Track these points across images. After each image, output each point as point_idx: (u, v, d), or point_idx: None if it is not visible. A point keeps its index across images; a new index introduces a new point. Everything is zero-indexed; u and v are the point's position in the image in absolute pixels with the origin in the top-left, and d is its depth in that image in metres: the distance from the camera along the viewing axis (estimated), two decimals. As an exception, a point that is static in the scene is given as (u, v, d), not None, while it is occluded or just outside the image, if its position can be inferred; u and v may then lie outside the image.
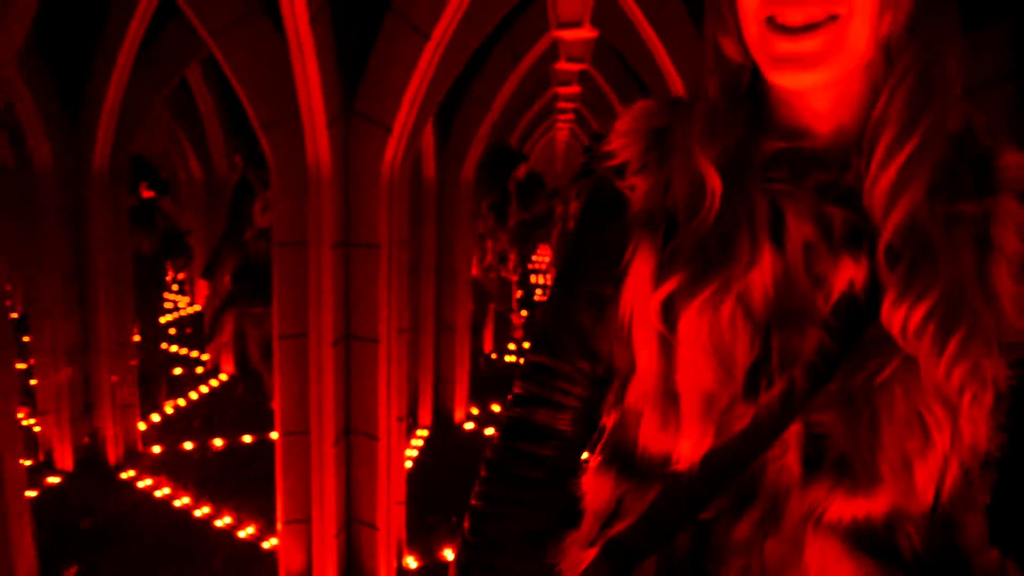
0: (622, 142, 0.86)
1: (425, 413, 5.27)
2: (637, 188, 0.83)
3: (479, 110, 4.99)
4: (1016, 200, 0.76)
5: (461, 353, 5.45)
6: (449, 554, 3.62)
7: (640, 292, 0.80)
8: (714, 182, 0.77)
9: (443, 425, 5.35)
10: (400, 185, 3.00)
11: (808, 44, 0.70)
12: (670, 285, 0.77)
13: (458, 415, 5.47)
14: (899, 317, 0.72)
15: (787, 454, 0.76)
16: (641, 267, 0.80)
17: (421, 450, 4.90)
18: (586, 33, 4.97)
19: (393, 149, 2.86)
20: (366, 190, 2.88)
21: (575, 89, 7.07)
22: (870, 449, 0.73)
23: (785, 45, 0.71)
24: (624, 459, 0.86)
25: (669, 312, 0.78)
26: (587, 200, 0.90)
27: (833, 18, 0.70)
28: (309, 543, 3.15)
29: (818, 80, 0.72)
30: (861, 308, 0.74)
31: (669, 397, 0.79)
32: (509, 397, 0.96)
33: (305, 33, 2.43)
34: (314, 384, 2.95)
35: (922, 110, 0.72)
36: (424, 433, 5.16)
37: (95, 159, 4.06)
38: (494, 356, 7.26)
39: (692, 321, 0.76)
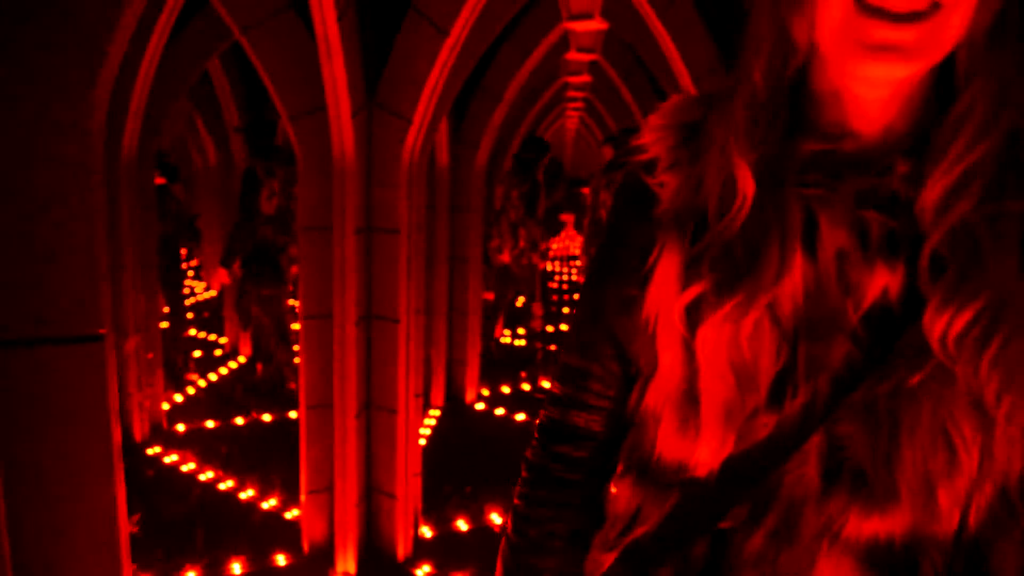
0: (653, 137, 0.83)
1: (438, 393, 5.45)
2: (667, 185, 0.81)
3: (491, 100, 5.14)
4: None
5: (473, 336, 5.63)
6: (463, 524, 3.81)
7: (665, 293, 0.78)
8: (747, 184, 0.74)
9: (455, 405, 5.53)
10: (419, 173, 3.17)
11: (909, 33, 0.64)
12: (695, 291, 0.76)
13: (469, 395, 5.65)
14: (941, 324, 0.69)
15: (806, 465, 0.74)
16: (667, 267, 0.78)
17: (434, 428, 5.08)
18: (596, 25, 5.11)
19: (413, 139, 3.02)
20: (387, 178, 3.05)
21: (585, 78, 7.20)
22: (888, 464, 0.71)
23: (883, 32, 0.65)
24: (640, 465, 0.85)
25: (693, 317, 0.76)
26: (616, 197, 0.89)
27: (936, 7, 0.65)
28: (331, 512, 3.33)
29: (908, 74, 0.68)
30: (894, 317, 0.71)
31: (690, 401, 0.78)
32: (546, 392, 0.98)
33: (333, 30, 2.59)
34: (337, 361, 3.12)
35: (1000, 114, 0.70)
36: (437, 412, 5.34)
37: (123, 149, 4.23)
38: (504, 341, 7.43)
39: (715, 330, 0.74)
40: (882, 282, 0.71)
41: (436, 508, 3.88)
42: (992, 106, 0.70)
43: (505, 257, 6.59)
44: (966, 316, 0.68)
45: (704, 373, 0.76)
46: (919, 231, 0.70)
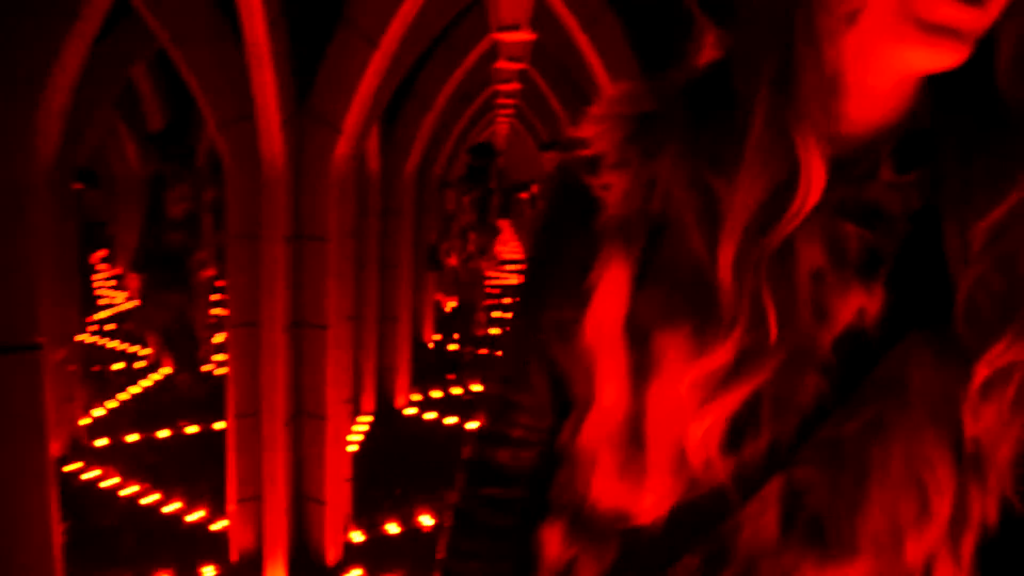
0: (597, 129, 0.69)
1: (368, 400, 5.45)
2: (612, 187, 0.67)
3: (422, 107, 5.20)
4: None
5: (403, 342, 5.66)
6: (393, 527, 3.85)
7: (608, 319, 0.66)
8: (819, 177, 0.59)
9: (386, 410, 5.55)
10: (348, 180, 3.21)
11: (971, 16, 0.55)
12: (660, 349, 0.64)
13: (400, 401, 5.68)
14: (996, 364, 0.60)
15: (765, 513, 0.65)
16: (611, 288, 0.66)
17: (366, 434, 5.09)
18: (525, 36, 5.21)
19: (342, 147, 3.05)
20: (317, 186, 3.07)
21: (515, 86, 7.31)
22: (852, 512, 0.63)
23: (950, 11, 0.55)
24: (573, 509, 0.74)
25: (646, 362, 0.65)
26: (550, 201, 0.75)
27: None
28: (260, 520, 3.33)
29: (951, 65, 0.57)
30: (867, 345, 0.63)
31: (634, 443, 0.67)
32: (473, 428, 0.86)
33: (263, 38, 2.61)
34: (266, 368, 3.12)
35: None
36: (368, 419, 5.34)
37: (43, 157, 4.11)
38: (431, 346, 7.46)
39: (675, 389, 0.64)
40: (857, 304, 0.62)
41: (367, 513, 3.90)
42: None
43: (453, 261, 6.72)
44: (1009, 357, 0.60)
45: (655, 411, 0.65)
46: (898, 245, 0.63)
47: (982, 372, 0.61)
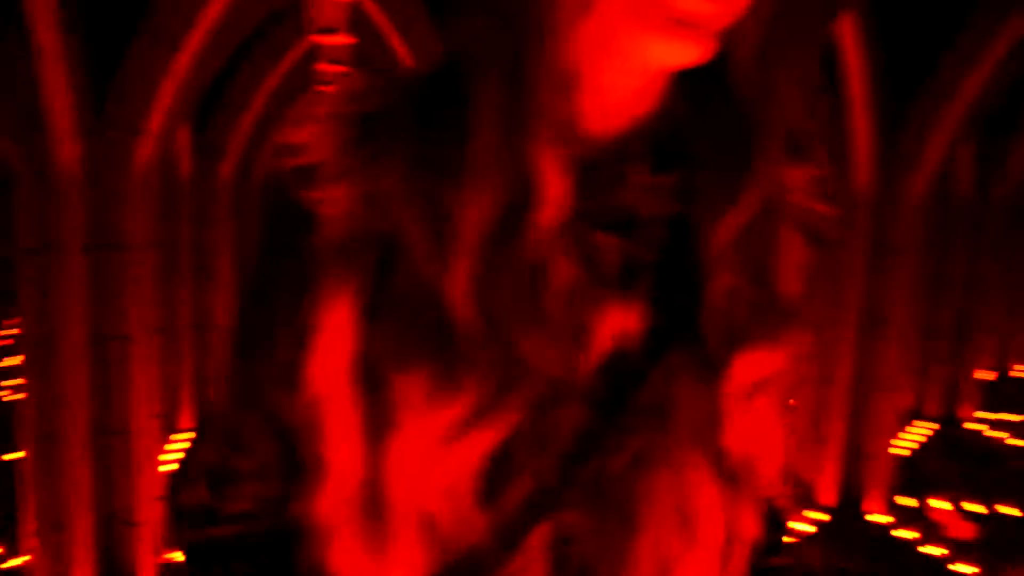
0: (315, 132, 0.57)
1: (187, 414, 5.23)
2: (332, 202, 0.56)
3: (237, 109, 5.06)
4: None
5: (225, 352, 5.47)
6: (215, 545, 3.73)
7: (333, 361, 0.56)
8: (562, 184, 0.53)
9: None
10: (152, 186, 3.09)
11: (715, 10, 0.52)
12: (397, 396, 0.55)
13: (222, 413, 5.48)
14: (755, 371, 0.58)
15: (531, 567, 0.58)
16: (334, 325, 0.56)
17: (187, 451, 4.87)
18: (343, 39, 5.19)
19: (144, 153, 2.94)
20: (117, 193, 2.94)
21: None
22: (621, 556, 0.58)
23: (690, 4, 0.51)
24: None
25: (381, 412, 0.55)
26: (262, 220, 0.64)
27: None
28: (65, 549, 3.13)
29: (701, 59, 0.53)
30: (631, 366, 0.57)
31: (374, 510, 0.58)
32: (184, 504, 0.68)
33: (53, 40, 2.48)
34: (67, 386, 2.95)
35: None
36: (190, 435, 5.12)
37: None
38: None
39: (418, 441, 0.56)
40: (617, 322, 0.56)
41: (188, 532, 3.75)
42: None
43: None
44: (762, 367, 0.59)
45: (395, 470, 0.57)
46: (657, 253, 0.58)
47: (736, 384, 0.58)
